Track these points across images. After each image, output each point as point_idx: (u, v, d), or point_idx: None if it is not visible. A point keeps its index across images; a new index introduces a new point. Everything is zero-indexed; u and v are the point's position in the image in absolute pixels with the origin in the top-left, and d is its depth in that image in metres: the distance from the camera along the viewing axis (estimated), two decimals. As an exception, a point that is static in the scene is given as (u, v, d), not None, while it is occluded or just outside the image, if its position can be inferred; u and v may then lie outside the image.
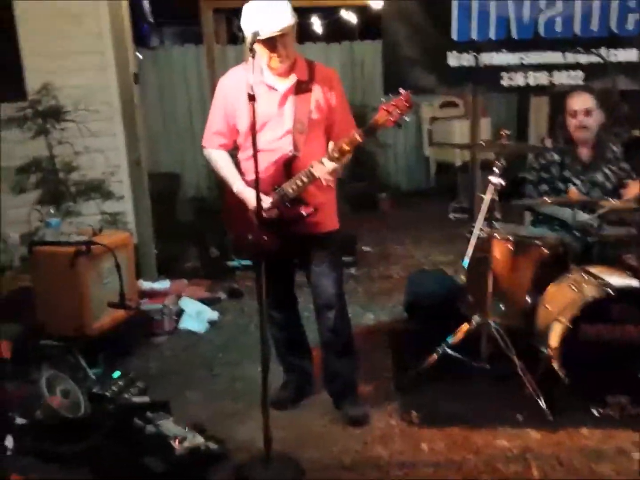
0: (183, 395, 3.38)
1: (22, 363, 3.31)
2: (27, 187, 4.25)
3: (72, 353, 3.48)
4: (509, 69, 4.25)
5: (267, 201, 2.75)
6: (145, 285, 4.43)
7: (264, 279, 2.52)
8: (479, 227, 3.09)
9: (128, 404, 3.07)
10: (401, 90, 2.54)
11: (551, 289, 3.25)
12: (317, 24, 8.91)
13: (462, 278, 3.60)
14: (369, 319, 4.39)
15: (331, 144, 2.68)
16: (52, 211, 3.89)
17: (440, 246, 6.10)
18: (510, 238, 3.39)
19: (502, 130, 3.16)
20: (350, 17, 8.66)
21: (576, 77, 4.25)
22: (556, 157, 3.67)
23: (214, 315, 4.41)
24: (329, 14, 8.79)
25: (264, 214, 2.70)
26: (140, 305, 4.08)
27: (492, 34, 4.23)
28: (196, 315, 4.27)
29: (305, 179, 2.73)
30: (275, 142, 2.79)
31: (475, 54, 4.19)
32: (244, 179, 2.87)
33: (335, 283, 3.00)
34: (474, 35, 4.23)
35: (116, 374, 3.39)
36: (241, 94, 2.58)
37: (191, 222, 6.19)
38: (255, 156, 2.38)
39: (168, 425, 2.81)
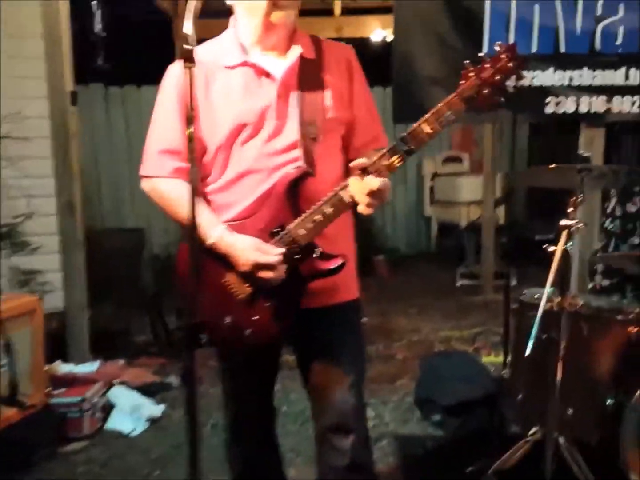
0: None
1: None
2: None
3: None
4: (556, 91, 3.30)
5: (273, 252, 1.65)
6: (63, 368, 3.26)
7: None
8: (546, 296, 1.99)
9: None
10: (498, 45, 1.62)
11: (647, 388, 2.19)
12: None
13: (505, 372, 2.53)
14: (368, 419, 3.21)
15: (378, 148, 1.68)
16: None
17: (450, 318, 5.21)
18: (581, 311, 2.32)
19: (581, 152, 2.15)
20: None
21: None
22: None
23: (156, 410, 3.24)
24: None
25: (270, 276, 1.64)
26: (51, 399, 2.93)
27: (535, 48, 3.31)
28: (130, 412, 3.11)
29: (329, 210, 1.63)
30: (274, 158, 1.71)
31: None
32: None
33: (355, 389, 1.80)
34: (512, 48, 3.35)
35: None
36: (210, 85, 1.70)
37: (148, 285, 5.10)
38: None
39: None
